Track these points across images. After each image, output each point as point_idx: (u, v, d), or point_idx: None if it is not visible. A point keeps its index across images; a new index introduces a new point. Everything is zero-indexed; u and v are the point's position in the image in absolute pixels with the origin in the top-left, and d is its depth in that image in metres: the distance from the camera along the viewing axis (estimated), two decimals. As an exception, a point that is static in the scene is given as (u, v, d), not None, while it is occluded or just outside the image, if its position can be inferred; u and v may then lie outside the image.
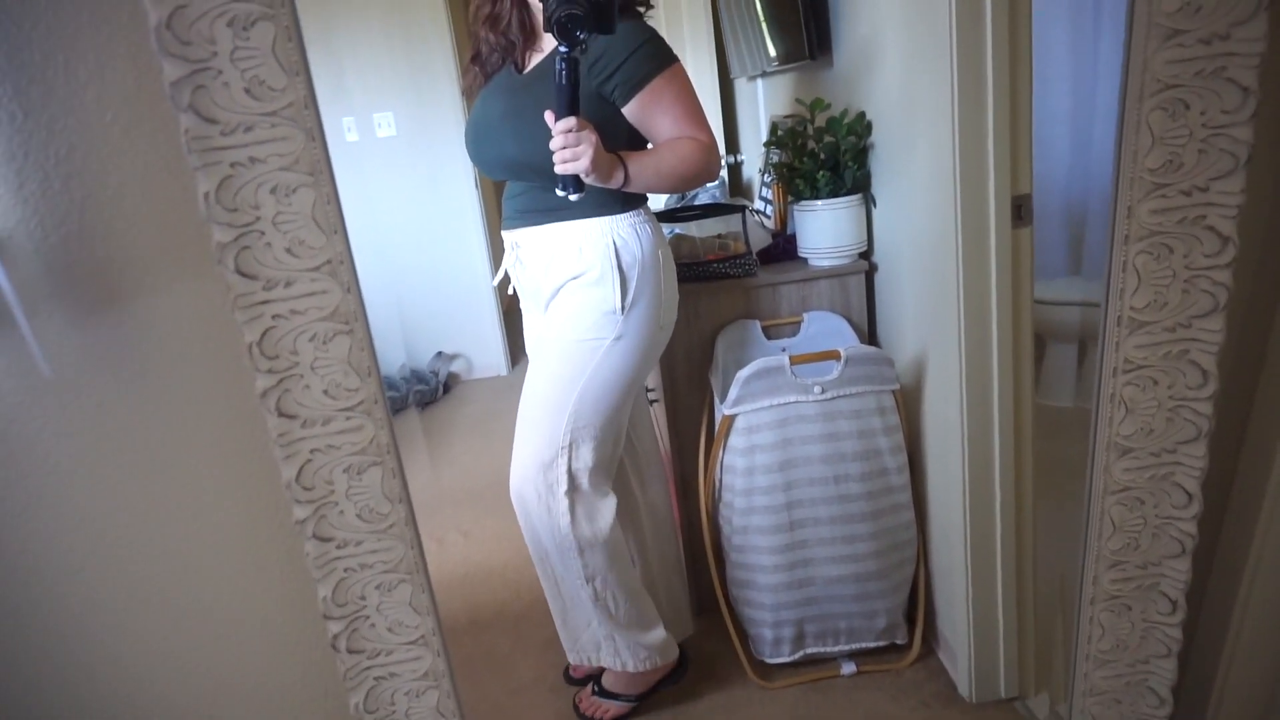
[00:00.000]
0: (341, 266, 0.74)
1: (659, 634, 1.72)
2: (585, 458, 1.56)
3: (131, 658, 1.00)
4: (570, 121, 1.29)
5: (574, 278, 1.52)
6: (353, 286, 0.75)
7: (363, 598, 0.83)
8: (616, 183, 1.40)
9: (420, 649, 0.86)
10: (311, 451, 0.78)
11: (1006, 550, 1.60)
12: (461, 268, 3.80)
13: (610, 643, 1.70)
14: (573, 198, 1.35)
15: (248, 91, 0.68)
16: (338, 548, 0.81)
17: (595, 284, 1.50)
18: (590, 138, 1.30)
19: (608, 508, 1.60)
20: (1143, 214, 0.85)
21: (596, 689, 1.78)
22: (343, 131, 3.64)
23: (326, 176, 0.71)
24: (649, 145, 1.52)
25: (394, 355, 3.73)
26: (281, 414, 0.76)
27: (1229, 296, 0.87)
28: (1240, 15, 0.78)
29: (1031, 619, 1.65)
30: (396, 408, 3.55)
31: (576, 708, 1.79)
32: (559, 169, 1.31)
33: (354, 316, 0.75)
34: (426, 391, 3.67)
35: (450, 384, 3.85)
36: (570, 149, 1.30)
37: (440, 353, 3.84)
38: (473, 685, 1.95)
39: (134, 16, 0.76)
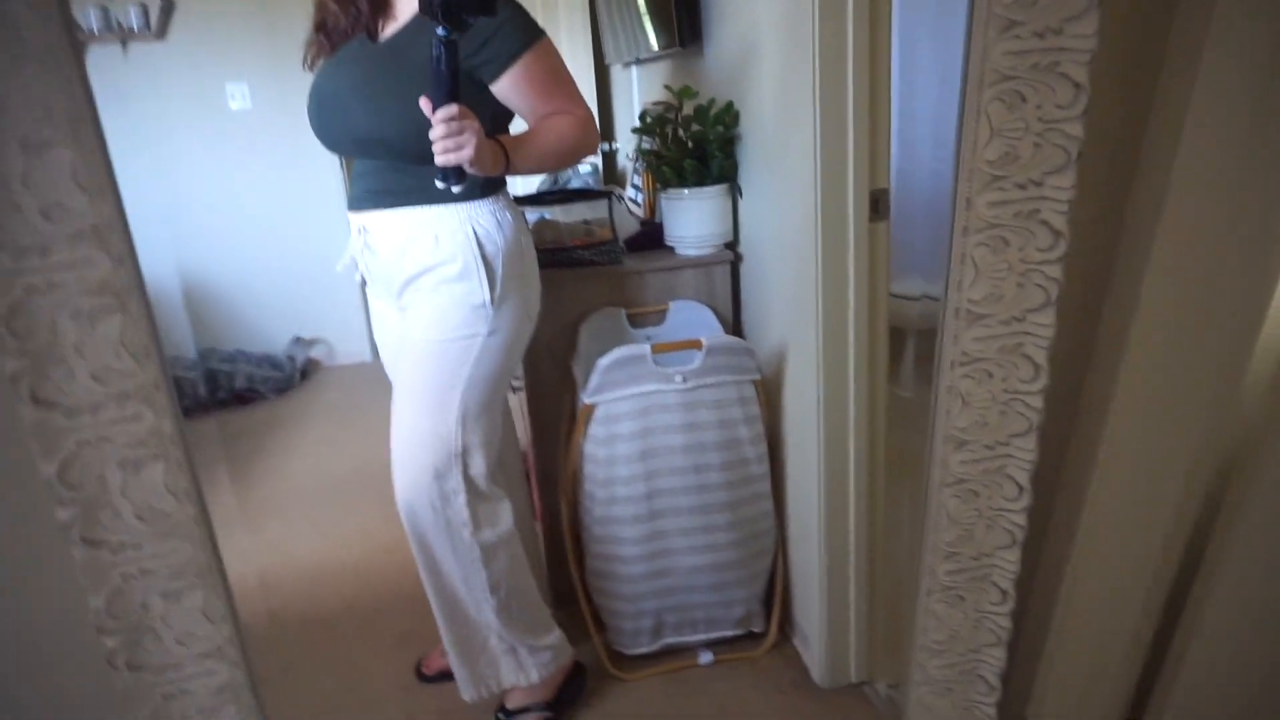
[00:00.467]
0: (111, 234, 0.65)
1: (556, 632, 1.67)
2: (479, 461, 1.48)
3: None
4: (452, 109, 1.19)
5: (430, 269, 1.42)
6: (125, 258, 0.66)
7: (144, 606, 0.74)
8: (499, 171, 1.31)
9: (215, 661, 0.78)
10: (78, 444, 0.68)
11: (860, 539, 1.63)
12: (323, 249, 3.60)
13: (511, 656, 1.61)
14: (455, 189, 1.27)
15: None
16: (112, 552, 0.72)
17: (459, 278, 1.42)
18: (473, 126, 1.21)
19: (505, 509, 1.55)
20: (981, 206, 0.85)
21: (503, 714, 1.68)
22: (208, 103, 3.41)
23: (90, 129, 0.62)
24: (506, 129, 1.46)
25: (244, 340, 3.51)
26: (37, 401, 0.66)
27: (1060, 291, 0.88)
28: (1073, 10, 0.78)
29: (882, 605, 1.69)
30: (257, 395, 3.35)
31: None
32: (440, 160, 1.21)
33: (126, 291, 0.66)
34: (281, 379, 3.47)
35: (310, 370, 3.66)
36: (453, 138, 1.20)
37: (298, 338, 3.63)
38: (319, 688, 1.84)
39: None
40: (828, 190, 1.44)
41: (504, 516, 1.54)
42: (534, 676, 1.63)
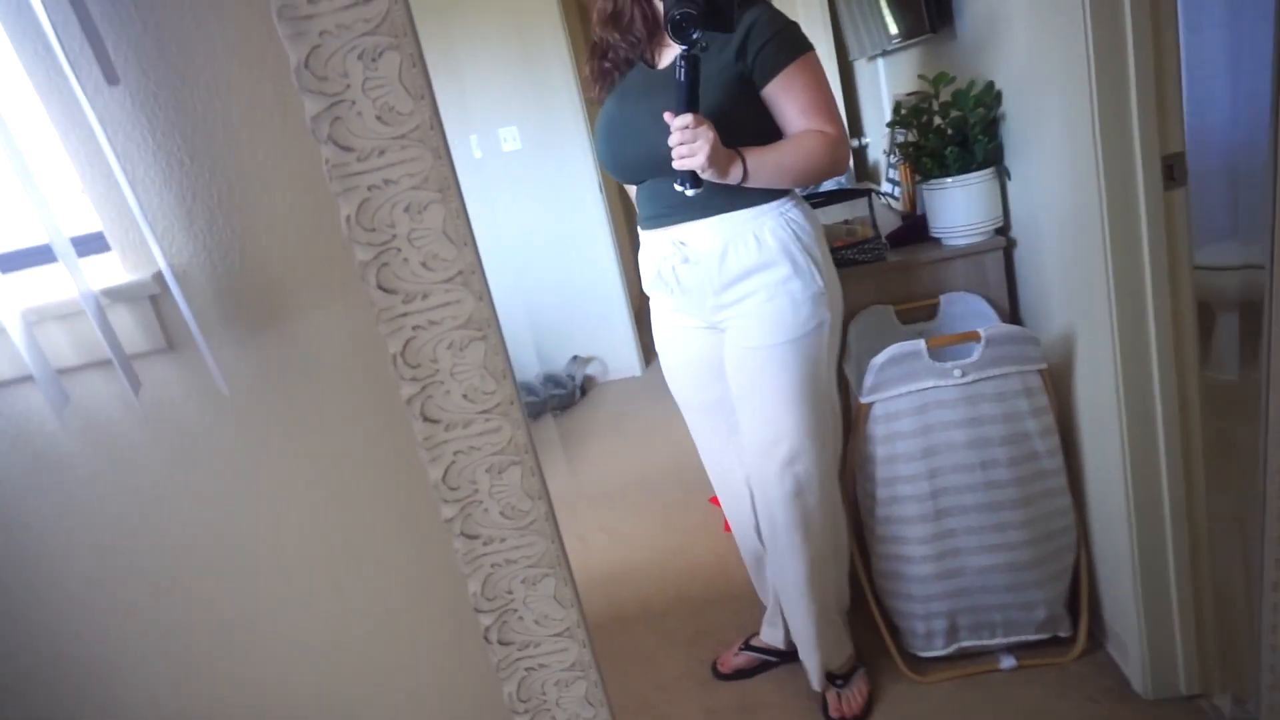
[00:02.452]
0: (473, 276, 0.78)
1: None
2: (824, 446, 1.63)
3: (290, 655, 1.09)
4: (687, 118, 1.31)
5: (754, 270, 1.49)
6: (484, 294, 0.79)
7: (510, 592, 0.87)
8: (735, 178, 1.40)
9: (566, 640, 0.90)
10: (455, 453, 0.82)
11: (1178, 536, 1.49)
12: (592, 273, 3.88)
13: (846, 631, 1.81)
14: (689, 193, 1.38)
15: (379, 119, 0.73)
16: (484, 544, 0.85)
17: (791, 276, 1.49)
18: (707, 134, 1.32)
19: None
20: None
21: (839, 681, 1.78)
22: (470, 149, 3.80)
23: (454, 192, 0.75)
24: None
25: (528, 362, 3.86)
26: (426, 419, 0.81)
27: None
28: None
29: (1211, 609, 1.53)
30: (535, 412, 3.67)
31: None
32: (676, 164, 1.35)
33: (487, 323, 0.79)
34: (564, 395, 3.77)
35: (587, 387, 3.95)
36: (687, 145, 1.32)
37: (576, 357, 3.94)
38: (619, 681, 1.99)
39: (278, 58, 0.83)
40: (1110, 159, 1.35)
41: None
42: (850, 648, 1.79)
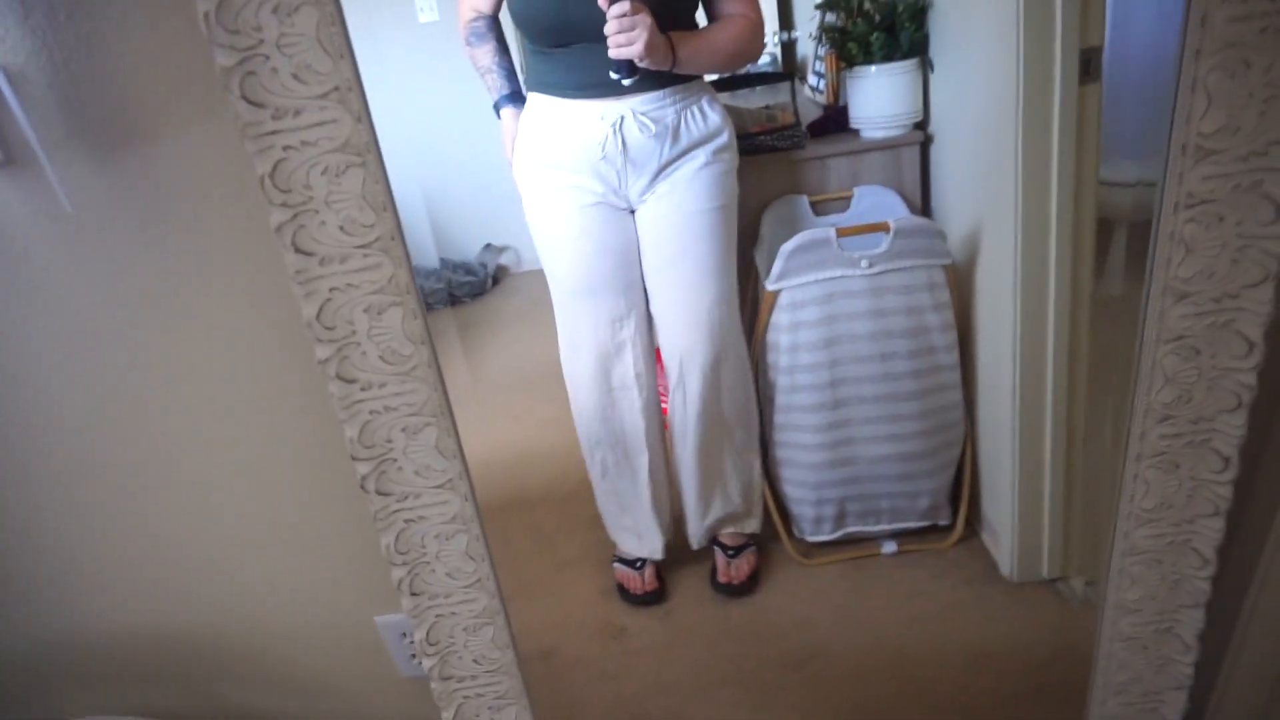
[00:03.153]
0: (350, 94, 0.71)
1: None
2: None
3: (146, 511, 1.04)
4: (624, 5, 1.28)
5: (703, 142, 1.53)
6: (363, 116, 0.73)
7: (389, 440, 0.84)
8: (668, 64, 1.39)
9: (448, 493, 0.87)
10: (330, 290, 0.77)
11: (1057, 434, 1.55)
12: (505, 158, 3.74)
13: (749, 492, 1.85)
14: (626, 81, 1.38)
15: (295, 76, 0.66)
16: (361, 389, 0.81)
17: (727, 145, 1.56)
18: (645, 20, 1.30)
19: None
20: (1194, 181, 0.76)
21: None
22: (416, 13, 3.57)
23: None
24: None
25: (445, 246, 3.73)
26: (299, 250, 0.75)
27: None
28: None
29: (1079, 503, 1.62)
30: (440, 300, 3.57)
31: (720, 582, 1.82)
32: (613, 53, 1.33)
33: (366, 148, 0.73)
34: (475, 283, 3.68)
35: (499, 276, 3.86)
36: (625, 33, 1.30)
37: (489, 245, 3.83)
38: (518, 561, 2.01)
39: None
40: (1031, 49, 1.34)
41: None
42: (755, 526, 1.84)
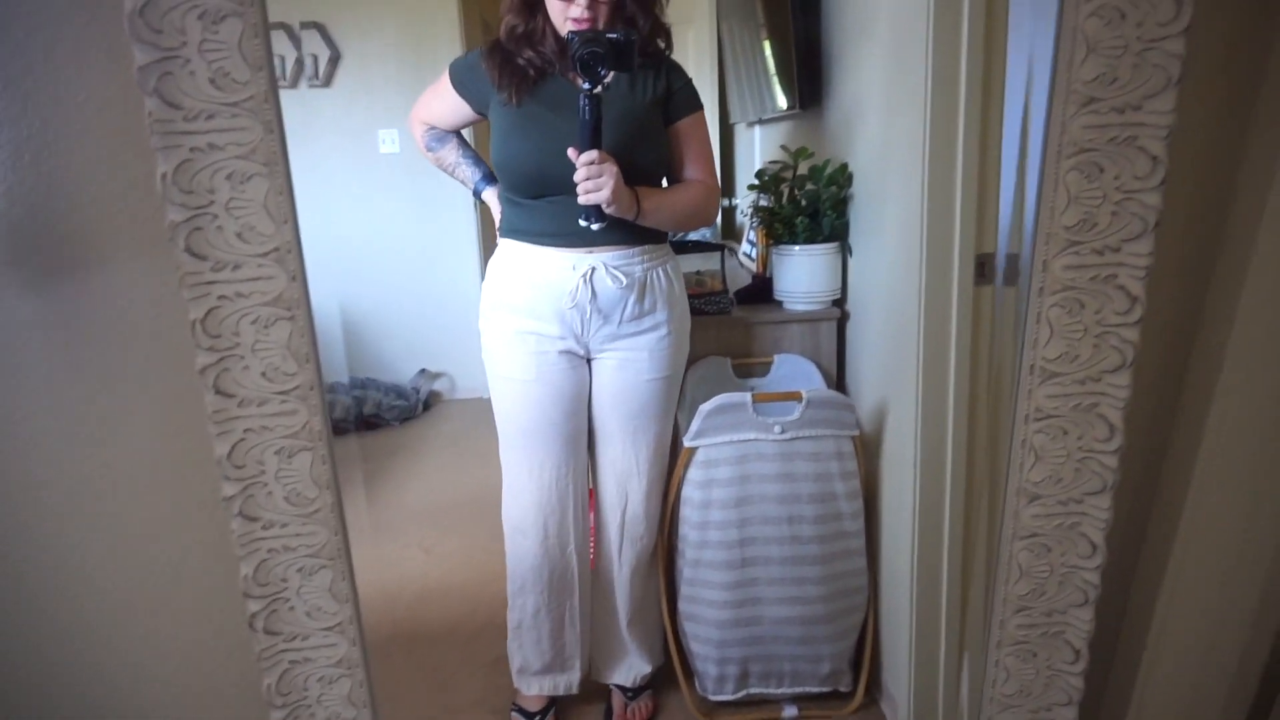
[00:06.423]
0: (289, 255, 0.77)
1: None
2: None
3: (58, 619, 1.02)
4: (593, 154, 1.37)
5: (662, 304, 1.60)
6: (298, 275, 0.78)
7: (284, 580, 0.85)
8: (631, 215, 1.47)
9: (337, 636, 0.88)
10: (245, 431, 0.80)
11: (951, 608, 1.61)
12: (452, 287, 3.83)
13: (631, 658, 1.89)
14: (594, 227, 1.43)
15: (212, 82, 0.72)
16: (263, 528, 0.83)
17: (686, 313, 1.67)
18: (612, 169, 1.38)
19: None
20: (1057, 269, 0.88)
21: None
22: (378, 144, 3.72)
23: (281, 168, 0.75)
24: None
25: (378, 367, 3.75)
26: (219, 392, 0.78)
27: (1135, 353, 0.90)
28: (1152, 89, 0.82)
29: (968, 673, 1.65)
30: (351, 422, 3.54)
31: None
32: (583, 199, 1.40)
33: (297, 304, 0.78)
34: (405, 407, 3.68)
35: (431, 402, 3.87)
36: (594, 180, 1.38)
37: (424, 370, 3.86)
38: (411, 698, 1.94)
39: (114, 5, 0.80)
40: (933, 252, 1.47)
41: None
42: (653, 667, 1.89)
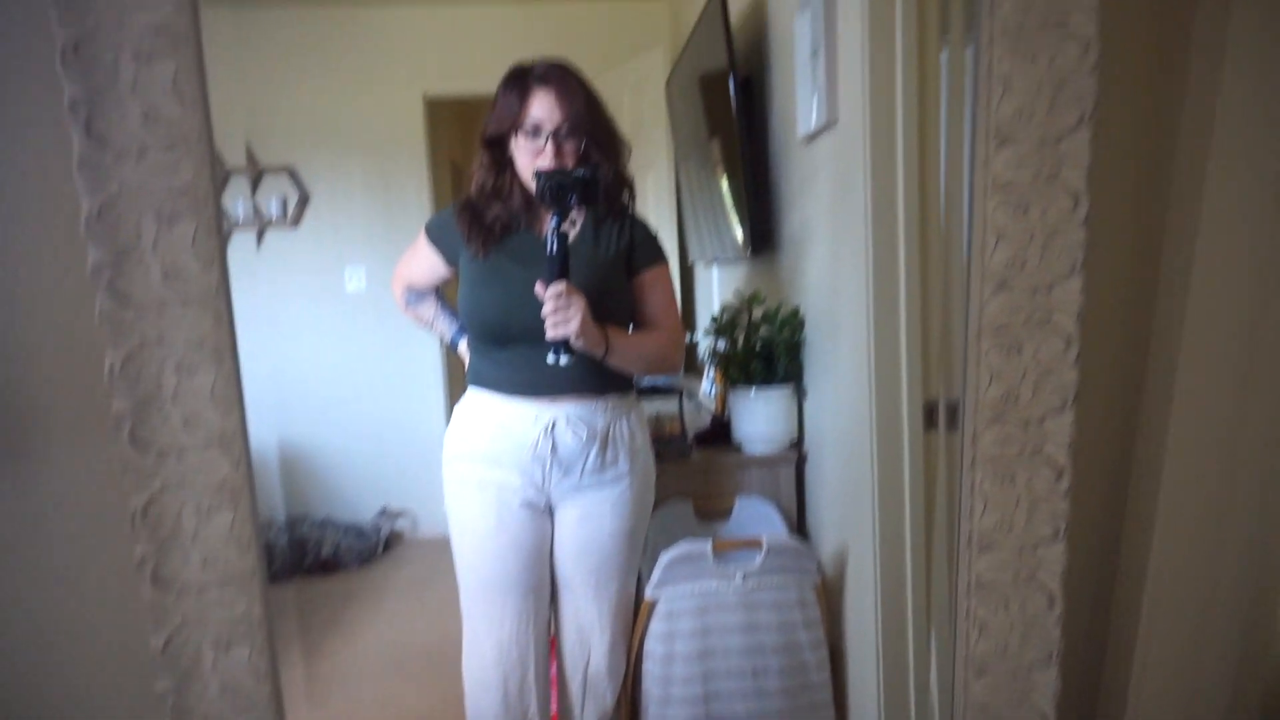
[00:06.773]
0: (234, 442, 0.77)
1: None
2: None
3: None
4: (560, 286, 1.38)
5: (625, 455, 1.60)
6: (242, 462, 0.78)
7: (215, 780, 0.81)
8: (599, 351, 1.47)
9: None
10: (183, 619, 0.78)
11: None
12: (415, 425, 3.81)
13: None
14: (563, 362, 1.41)
15: (165, 276, 0.74)
16: (197, 723, 0.79)
17: (650, 467, 1.65)
18: (580, 303, 1.39)
19: None
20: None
21: None
22: (344, 282, 3.77)
23: (229, 357, 0.76)
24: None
25: (338, 506, 3.68)
26: (156, 582, 0.76)
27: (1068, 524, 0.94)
28: (1065, 127, 0.89)
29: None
30: (285, 568, 3.42)
31: None
32: (551, 334, 1.39)
33: (239, 492, 0.78)
34: (365, 548, 3.59)
35: (392, 542, 3.78)
36: (561, 312, 1.38)
37: (385, 509, 3.79)
38: None
39: (72, 213, 0.82)
40: (882, 399, 1.50)
41: None
42: None
